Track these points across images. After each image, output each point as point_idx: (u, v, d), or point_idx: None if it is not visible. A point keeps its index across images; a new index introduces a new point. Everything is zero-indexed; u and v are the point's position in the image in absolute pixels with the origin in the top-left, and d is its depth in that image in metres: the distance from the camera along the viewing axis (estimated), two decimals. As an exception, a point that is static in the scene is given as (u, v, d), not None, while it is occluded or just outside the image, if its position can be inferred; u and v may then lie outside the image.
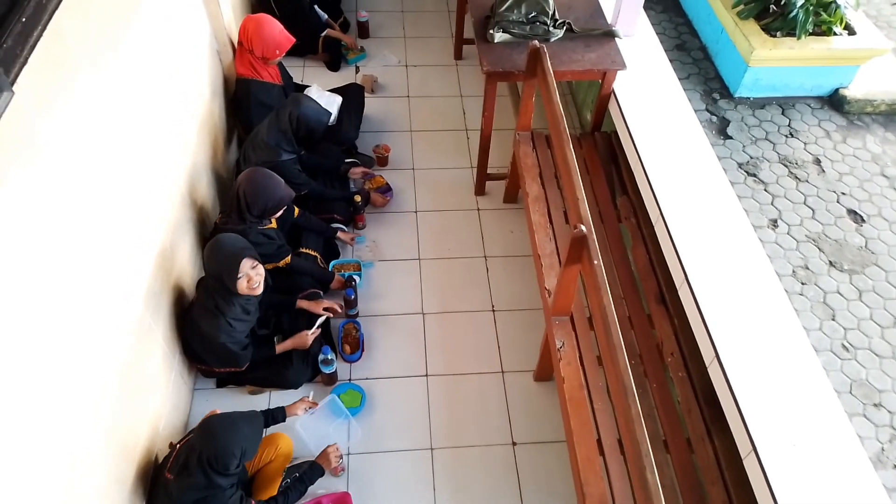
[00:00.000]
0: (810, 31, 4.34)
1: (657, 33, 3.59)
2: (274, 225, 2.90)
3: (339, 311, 3.12)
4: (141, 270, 2.32)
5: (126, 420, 2.16)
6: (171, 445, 2.32)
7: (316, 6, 4.37)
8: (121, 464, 2.11)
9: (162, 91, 2.60)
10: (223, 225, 2.77)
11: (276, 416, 2.55)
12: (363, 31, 4.71)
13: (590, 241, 2.19)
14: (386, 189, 3.68)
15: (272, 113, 3.12)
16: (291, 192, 2.83)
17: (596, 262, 2.14)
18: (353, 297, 3.07)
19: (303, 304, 2.92)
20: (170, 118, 2.68)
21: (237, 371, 2.71)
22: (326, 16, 4.46)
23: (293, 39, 3.44)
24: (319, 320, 2.92)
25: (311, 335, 2.85)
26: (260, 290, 2.54)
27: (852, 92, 4.60)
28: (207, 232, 3.05)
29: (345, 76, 4.37)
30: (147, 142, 2.41)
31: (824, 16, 4.38)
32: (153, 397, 2.42)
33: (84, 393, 1.86)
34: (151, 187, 2.45)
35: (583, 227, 2.20)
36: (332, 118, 3.66)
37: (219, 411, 2.28)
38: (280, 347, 2.80)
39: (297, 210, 3.15)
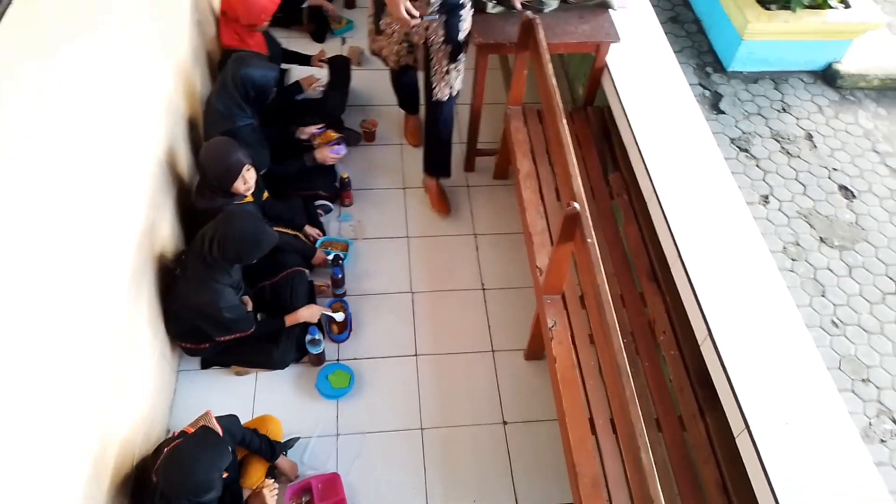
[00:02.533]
0: (805, 3, 4.27)
1: (651, 5, 3.51)
2: (250, 199, 2.79)
3: (326, 289, 3.07)
4: (121, 250, 2.25)
5: (109, 405, 2.10)
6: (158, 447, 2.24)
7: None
8: (104, 449, 2.06)
9: (139, 63, 2.50)
10: (199, 204, 2.69)
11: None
12: (349, 1, 4.58)
13: (583, 218, 2.15)
14: (337, 142, 3.39)
15: (218, 79, 2.98)
16: (247, 158, 2.64)
17: (589, 240, 2.10)
18: (340, 276, 3.01)
19: (291, 318, 2.77)
20: (147, 92, 2.59)
21: (233, 347, 2.66)
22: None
23: (278, 1, 3.33)
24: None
25: (317, 306, 2.83)
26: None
27: (845, 66, 4.55)
28: (187, 207, 2.97)
29: (331, 48, 4.25)
30: (122, 118, 2.32)
31: (819, -12, 4.32)
32: (137, 381, 2.36)
33: (66, 378, 1.80)
34: (129, 164, 2.36)
35: (576, 205, 2.16)
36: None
37: (213, 415, 2.23)
38: (290, 319, 2.74)
39: (266, 193, 3.01)
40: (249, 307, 2.72)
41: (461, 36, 2.94)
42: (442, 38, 2.90)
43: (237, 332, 2.59)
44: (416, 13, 2.70)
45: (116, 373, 2.15)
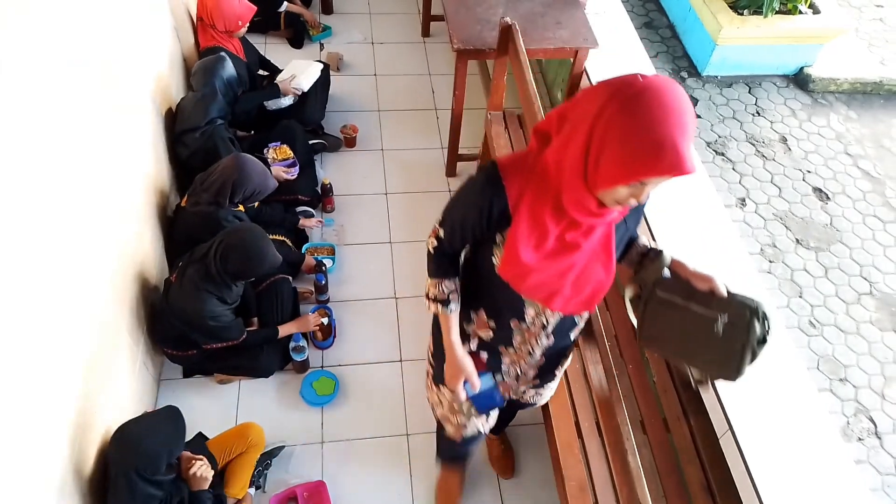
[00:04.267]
0: (776, 9, 4.36)
1: (626, 10, 3.56)
2: (241, 208, 2.80)
3: (310, 296, 3.06)
4: (104, 258, 2.22)
5: (89, 415, 2.06)
6: None
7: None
8: (79, 460, 2.01)
9: (118, 73, 2.47)
10: (193, 207, 2.67)
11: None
12: (326, 6, 4.57)
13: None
14: (291, 164, 3.31)
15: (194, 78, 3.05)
16: (275, 181, 2.80)
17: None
18: (323, 282, 3.00)
19: (285, 328, 2.77)
20: (128, 100, 2.56)
21: (218, 354, 2.63)
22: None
23: (254, 7, 3.32)
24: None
25: (312, 316, 2.83)
26: None
27: (816, 70, 4.65)
28: (168, 214, 2.94)
29: (309, 54, 4.24)
30: (102, 125, 2.29)
31: (790, -6, 4.41)
32: (116, 390, 2.32)
33: (46, 387, 1.77)
34: (111, 173, 2.33)
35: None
36: (305, 86, 3.58)
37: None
38: (283, 329, 2.74)
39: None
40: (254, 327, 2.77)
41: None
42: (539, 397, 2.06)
43: (226, 339, 2.57)
44: (477, 386, 1.75)
45: (95, 381, 2.11)
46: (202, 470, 2.12)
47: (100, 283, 2.18)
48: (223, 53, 3.17)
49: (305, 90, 3.58)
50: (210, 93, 2.98)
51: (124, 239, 2.39)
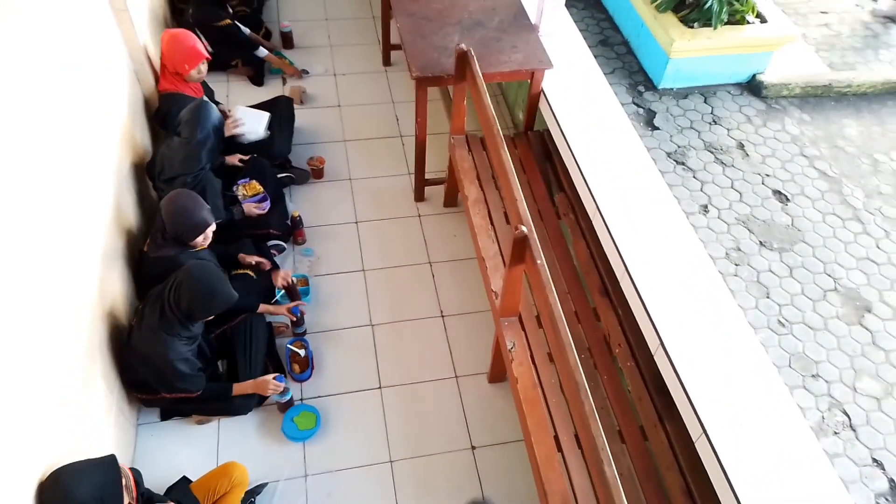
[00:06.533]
0: (725, 20, 4.51)
1: (580, 30, 3.66)
2: (204, 246, 2.79)
3: (286, 329, 3.06)
4: (72, 304, 2.20)
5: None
6: None
7: (237, 22, 4.23)
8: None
9: (78, 113, 2.49)
10: (153, 252, 2.67)
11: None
12: (287, 41, 4.62)
13: (531, 240, 2.21)
14: (262, 198, 3.30)
15: (181, 123, 2.99)
16: (211, 217, 2.69)
17: (539, 261, 2.16)
18: (299, 315, 3.01)
19: (240, 387, 2.68)
20: (89, 142, 2.57)
21: (186, 398, 2.60)
22: (249, 30, 4.34)
23: (203, 55, 3.34)
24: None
25: (272, 382, 2.69)
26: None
27: (768, 77, 4.80)
28: (136, 257, 2.93)
29: (272, 90, 4.28)
30: (66, 176, 2.30)
31: (737, 5, 4.56)
32: (94, 439, 2.30)
33: (19, 443, 1.75)
34: (76, 216, 2.33)
35: (523, 228, 2.22)
36: (263, 133, 3.58)
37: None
38: (238, 388, 2.66)
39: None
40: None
41: None
42: None
43: (183, 391, 2.53)
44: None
45: (70, 433, 2.09)
46: None
47: (69, 330, 2.17)
48: (206, 98, 3.18)
49: (263, 137, 3.58)
50: (203, 139, 2.95)
51: (91, 282, 2.38)
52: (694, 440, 2.19)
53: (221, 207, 3.11)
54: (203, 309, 2.44)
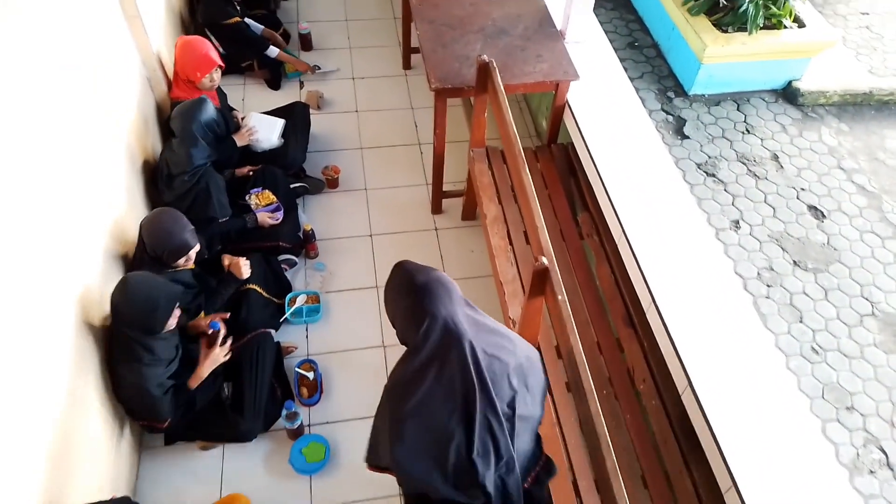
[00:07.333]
0: (761, 25, 4.30)
1: (608, 31, 3.50)
2: (190, 267, 2.66)
3: (294, 350, 2.96)
4: (68, 322, 2.11)
5: (65, 496, 1.95)
6: None
7: (250, 19, 4.11)
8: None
9: (89, 123, 2.39)
10: (136, 267, 2.57)
11: None
12: (306, 43, 4.50)
13: (552, 273, 2.06)
14: (276, 208, 3.20)
15: (175, 128, 2.93)
16: (194, 239, 2.56)
17: (560, 296, 2.02)
18: (218, 328, 2.59)
19: (195, 378, 2.49)
20: (99, 151, 2.48)
21: (196, 415, 2.49)
22: (263, 27, 4.21)
23: (216, 62, 3.23)
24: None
25: (220, 348, 2.52)
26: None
27: (805, 84, 4.58)
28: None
29: (288, 94, 4.16)
30: (71, 183, 2.21)
31: (774, 9, 4.34)
32: (94, 465, 2.21)
33: (11, 476, 1.66)
34: (78, 225, 2.24)
35: (544, 260, 2.07)
36: (276, 142, 3.47)
37: None
38: (194, 380, 2.47)
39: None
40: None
41: None
42: None
43: (150, 417, 2.37)
44: None
45: (64, 459, 2.00)
46: None
47: (64, 348, 2.07)
48: (204, 96, 3.09)
49: (276, 145, 3.48)
50: (188, 137, 2.88)
51: (90, 297, 2.28)
52: (723, 492, 2.04)
53: (227, 205, 3.03)
54: (149, 318, 2.20)
